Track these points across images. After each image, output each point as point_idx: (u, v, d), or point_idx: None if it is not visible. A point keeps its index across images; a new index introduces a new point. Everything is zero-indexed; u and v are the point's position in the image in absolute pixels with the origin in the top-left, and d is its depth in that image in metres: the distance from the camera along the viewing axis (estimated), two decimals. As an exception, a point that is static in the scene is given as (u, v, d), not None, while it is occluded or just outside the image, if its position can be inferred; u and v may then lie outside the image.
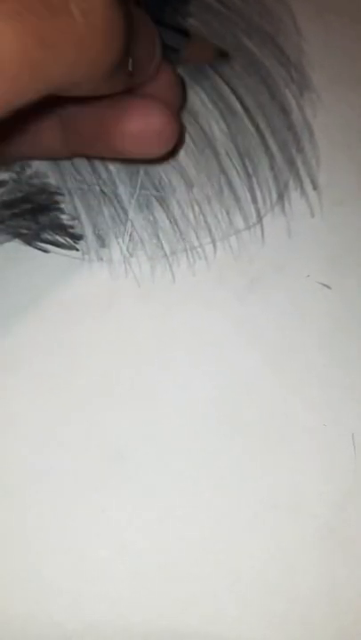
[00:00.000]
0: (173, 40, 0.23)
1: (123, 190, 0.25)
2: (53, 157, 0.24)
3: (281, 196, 0.25)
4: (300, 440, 0.23)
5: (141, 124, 0.21)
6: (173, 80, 0.22)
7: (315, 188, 0.25)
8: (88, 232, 0.25)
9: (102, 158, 0.25)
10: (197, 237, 0.25)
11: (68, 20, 0.15)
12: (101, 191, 0.25)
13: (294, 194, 0.25)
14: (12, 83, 0.14)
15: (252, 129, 0.26)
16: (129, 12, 0.17)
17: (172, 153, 0.24)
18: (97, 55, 0.16)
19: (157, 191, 0.25)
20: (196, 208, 0.25)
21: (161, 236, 0.25)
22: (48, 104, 0.20)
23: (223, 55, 0.26)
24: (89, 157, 0.25)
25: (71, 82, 0.16)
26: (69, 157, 0.24)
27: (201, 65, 0.26)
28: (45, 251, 0.24)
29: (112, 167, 0.25)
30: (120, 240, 0.24)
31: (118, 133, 0.21)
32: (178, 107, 0.23)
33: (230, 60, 0.26)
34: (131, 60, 0.18)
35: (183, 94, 0.23)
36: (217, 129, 0.26)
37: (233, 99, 0.26)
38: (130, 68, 0.18)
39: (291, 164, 0.26)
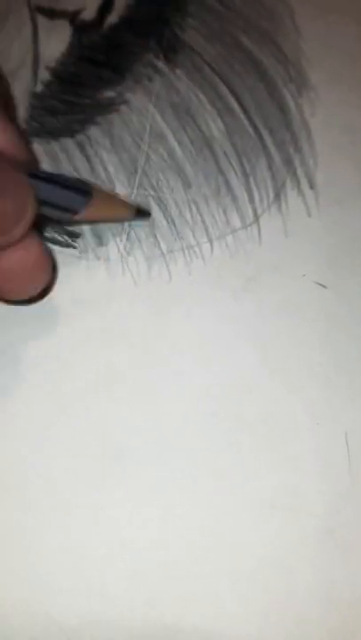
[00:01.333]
0: (69, 201, 0.21)
1: (120, 190, 0.25)
2: None
3: (278, 196, 0.25)
4: (295, 439, 0.23)
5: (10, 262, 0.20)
6: (34, 258, 0.20)
7: (312, 187, 0.25)
8: (86, 230, 0.25)
9: None
10: (194, 236, 0.25)
11: None
12: (99, 190, 0.25)
13: (291, 193, 0.25)
14: None
15: (249, 128, 0.26)
16: None
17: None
18: None
19: (155, 191, 0.25)
20: (194, 207, 0.25)
21: (158, 235, 0.25)
22: None
23: (143, 214, 0.24)
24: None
25: None
26: None
27: (114, 223, 0.24)
28: (43, 249, 0.24)
29: (110, 167, 0.25)
30: (117, 239, 0.25)
31: None
32: (21, 291, 0.21)
33: (148, 216, 0.24)
34: None
35: (41, 278, 0.21)
36: (215, 128, 0.26)
37: (231, 98, 0.26)
38: None
39: (288, 163, 0.26)
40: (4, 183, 0.18)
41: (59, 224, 0.24)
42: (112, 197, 0.24)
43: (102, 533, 0.22)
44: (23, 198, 0.19)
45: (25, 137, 0.21)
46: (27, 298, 0.22)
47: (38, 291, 0.22)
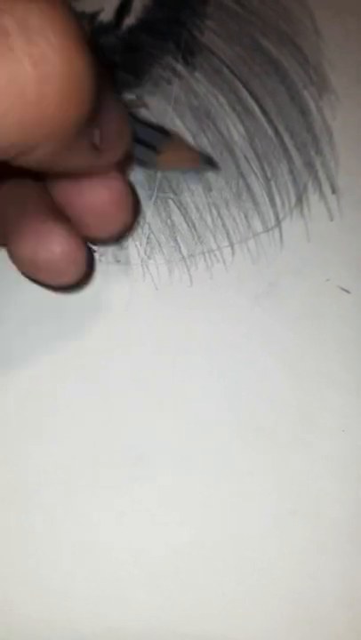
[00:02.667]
0: (150, 137, 0.21)
1: (140, 193, 0.25)
2: None
3: (300, 200, 0.25)
4: (319, 446, 0.23)
5: (32, 247, 0.19)
6: (119, 196, 0.19)
7: (334, 191, 0.25)
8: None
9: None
10: (215, 240, 0.24)
11: (10, 69, 0.12)
12: (119, 193, 0.25)
13: (313, 197, 0.25)
14: None
15: (270, 131, 0.26)
16: (94, 63, 0.14)
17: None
18: (54, 112, 0.13)
19: (175, 194, 0.25)
20: (214, 211, 0.25)
21: (179, 238, 0.24)
22: None
23: (210, 163, 0.24)
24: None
25: (18, 144, 0.13)
26: None
27: (182, 170, 0.24)
28: (62, 253, 0.24)
29: (129, 169, 0.25)
30: (138, 242, 0.24)
31: (14, 246, 0.19)
32: (106, 233, 0.20)
33: (217, 167, 0.24)
34: (98, 132, 0.16)
35: (128, 215, 0.21)
36: (235, 131, 0.26)
37: (251, 101, 0.26)
38: (96, 140, 0.16)
39: (310, 166, 0.25)
40: (109, 104, 0.17)
41: (142, 165, 0.23)
42: (185, 143, 0.24)
43: (121, 539, 0.22)
44: (123, 124, 0.18)
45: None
46: (107, 236, 0.21)
47: (119, 229, 0.21)
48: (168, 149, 0.22)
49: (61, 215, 0.19)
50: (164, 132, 0.22)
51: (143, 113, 0.25)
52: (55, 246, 0.19)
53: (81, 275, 0.20)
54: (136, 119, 0.21)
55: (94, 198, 0.19)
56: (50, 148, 0.14)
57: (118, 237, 0.23)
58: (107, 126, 0.17)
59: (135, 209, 0.22)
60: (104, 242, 0.24)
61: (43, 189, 0.20)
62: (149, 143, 0.22)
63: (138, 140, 0.21)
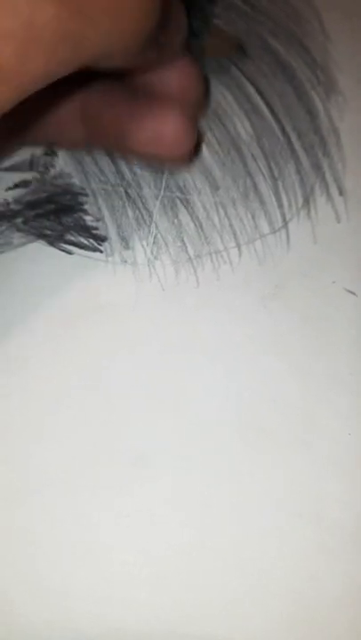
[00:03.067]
0: (196, 25, 0.23)
1: (147, 192, 0.25)
2: (75, 148, 0.24)
3: (307, 201, 0.25)
4: (322, 448, 0.23)
5: (154, 130, 0.21)
6: (194, 71, 0.22)
7: (341, 193, 0.25)
8: (112, 234, 0.24)
9: (121, 156, 0.25)
10: (222, 241, 0.24)
11: None
12: (126, 193, 0.25)
13: (320, 199, 0.25)
14: (50, 53, 0.15)
15: (278, 131, 0.26)
16: None
17: (195, 154, 0.24)
18: (132, 25, 0.16)
19: (182, 193, 0.25)
20: (221, 211, 0.25)
21: (185, 239, 0.24)
22: (73, 90, 0.21)
23: (241, 49, 0.25)
24: (108, 153, 0.25)
25: (106, 52, 0.16)
26: (90, 150, 0.24)
27: (219, 57, 0.26)
28: (69, 252, 0.24)
29: (137, 168, 0.25)
30: (144, 242, 0.24)
31: (133, 136, 0.21)
32: (197, 104, 0.23)
33: (248, 56, 0.26)
34: (163, 33, 0.18)
35: (204, 88, 0.22)
36: (243, 130, 0.26)
37: (259, 100, 0.26)
38: (162, 40, 0.18)
39: (317, 168, 0.25)
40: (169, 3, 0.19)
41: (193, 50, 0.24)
42: (223, 30, 0.26)
43: (122, 540, 0.22)
44: (182, 18, 0.20)
45: None
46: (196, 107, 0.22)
47: (200, 98, 0.22)
48: (209, 36, 0.23)
49: (161, 99, 0.21)
50: (207, 19, 0.23)
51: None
52: (174, 122, 0.21)
53: (194, 143, 0.21)
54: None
55: (174, 80, 0.21)
56: (127, 53, 0.17)
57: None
58: (169, 24, 0.19)
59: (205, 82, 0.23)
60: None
61: (128, 85, 0.22)
62: (195, 32, 0.23)
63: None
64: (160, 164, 0.24)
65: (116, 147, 0.22)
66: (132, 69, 0.21)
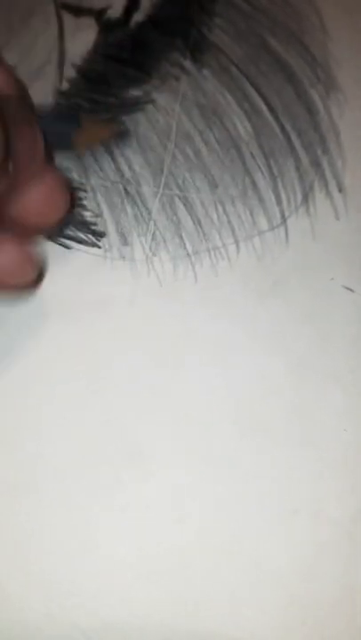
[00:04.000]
0: (63, 126, 0.23)
1: (146, 189, 0.25)
2: None
3: (306, 198, 0.25)
4: (321, 445, 0.23)
5: None
6: (54, 186, 0.21)
7: (340, 190, 0.25)
8: (111, 230, 0.24)
9: None
10: (220, 238, 0.24)
11: None
12: (125, 189, 0.25)
13: (319, 195, 0.25)
14: None
15: (277, 129, 0.26)
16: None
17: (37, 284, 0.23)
18: None
19: (181, 191, 0.25)
20: (220, 208, 0.25)
21: (184, 235, 0.24)
22: None
23: (123, 134, 0.25)
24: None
25: None
26: None
27: (101, 144, 0.25)
28: (67, 247, 0.24)
29: (136, 166, 0.25)
30: (143, 239, 0.24)
31: None
32: (51, 222, 0.21)
33: (129, 134, 0.25)
34: (10, 164, 0.18)
35: (63, 202, 0.21)
36: (242, 129, 0.26)
37: (258, 98, 0.26)
38: (10, 170, 0.18)
39: (316, 165, 0.25)
40: (18, 125, 0.18)
41: (61, 149, 0.24)
42: (97, 120, 0.25)
43: (121, 536, 0.22)
44: (35, 134, 0.19)
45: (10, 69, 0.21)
46: (49, 227, 0.22)
47: (58, 220, 0.21)
48: (82, 130, 0.23)
49: (3, 223, 0.20)
50: (73, 116, 0.24)
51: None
52: (5, 254, 0.20)
53: (33, 275, 0.21)
54: (45, 115, 0.22)
55: (29, 198, 0.20)
56: None
57: (58, 226, 0.23)
58: (17, 154, 0.18)
59: (71, 197, 0.22)
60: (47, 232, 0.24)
61: None
62: (62, 132, 0.23)
63: (50, 133, 0.21)
64: (4, 295, 0.23)
65: None
66: None
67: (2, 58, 0.21)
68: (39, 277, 0.23)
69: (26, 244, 0.20)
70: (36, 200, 0.20)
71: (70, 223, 0.24)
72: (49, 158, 0.21)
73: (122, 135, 0.25)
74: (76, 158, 0.25)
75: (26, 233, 0.21)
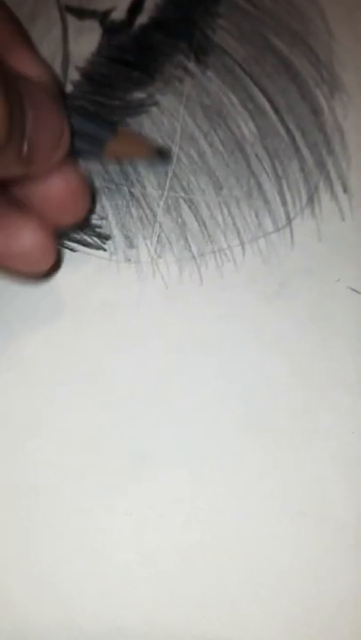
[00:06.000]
0: (95, 131, 0.22)
1: (151, 192, 0.25)
2: None
3: (311, 199, 0.25)
4: (327, 447, 0.23)
5: (4, 243, 0.20)
6: (74, 185, 0.21)
7: (345, 190, 0.25)
8: (116, 232, 0.24)
9: None
10: (226, 239, 0.24)
11: None
12: (129, 192, 0.25)
13: (325, 196, 0.25)
14: None
15: (281, 130, 0.26)
16: (15, 94, 0.17)
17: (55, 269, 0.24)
18: None
19: (186, 193, 0.25)
20: (225, 210, 0.25)
21: (189, 237, 0.24)
22: None
23: (163, 154, 0.25)
24: None
25: None
26: None
27: (136, 160, 0.25)
28: (73, 250, 0.24)
29: (140, 168, 0.25)
30: (148, 241, 0.24)
31: None
32: (69, 219, 0.21)
33: (170, 161, 0.25)
34: (26, 145, 0.18)
35: (83, 203, 0.22)
36: (246, 130, 0.26)
37: (263, 99, 0.26)
38: (24, 152, 0.18)
39: (321, 166, 0.25)
40: (40, 111, 0.18)
41: (88, 157, 0.23)
42: (135, 135, 0.25)
43: (125, 539, 0.22)
44: (59, 124, 0.19)
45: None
46: (69, 223, 0.22)
47: (77, 220, 0.22)
48: (116, 141, 0.22)
49: (26, 209, 0.21)
50: (110, 124, 0.23)
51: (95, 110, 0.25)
52: (26, 238, 0.20)
53: (52, 262, 0.21)
54: (81, 114, 0.22)
55: (51, 192, 0.20)
56: None
57: (81, 224, 0.23)
58: (37, 136, 0.18)
59: (91, 196, 0.23)
60: (68, 228, 0.24)
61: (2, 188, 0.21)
62: (95, 136, 0.22)
63: (83, 135, 0.21)
64: (14, 276, 0.23)
65: None
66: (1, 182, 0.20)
67: (36, 48, 0.21)
68: (55, 266, 0.23)
69: (47, 232, 0.20)
70: (57, 192, 0.20)
71: (76, 226, 0.24)
72: (74, 156, 0.21)
73: (162, 156, 0.24)
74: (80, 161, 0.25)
75: (47, 222, 0.21)
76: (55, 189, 0.20)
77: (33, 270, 0.21)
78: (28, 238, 0.20)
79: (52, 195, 0.20)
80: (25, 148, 0.18)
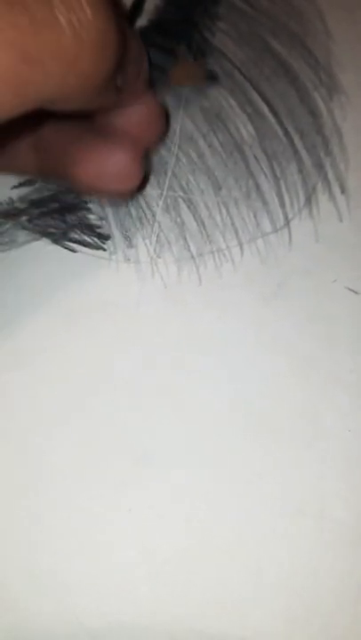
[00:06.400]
0: (161, 60, 0.24)
1: (150, 192, 0.25)
2: (26, 174, 0.24)
3: (309, 200, 0.25)
4: (325, 446, 0.23)
5: (97, 164, 0.21)
6: (154, 109, 0.22)
7: (343, 191, 0.25)
8: (115, 232, 0.25)
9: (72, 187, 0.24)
10: (224, 240, 0.25)
11: (55, 34, 0.15)
12: (129, 192, 0.25)
13: (322, 197, 0.25)
14: None
15: (280, 132, 0.26)
16: (122, 24, 0.17)
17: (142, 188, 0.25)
18: (88, 69, 0.16)
19: (185, 193, 0.25)
20: (224, 210, 0.25)
21: (188, 237, 0.25)
22: (27, 123, 0.21)
23: (213, 78, 0.26)
24: (58, 183, 0.25)
25: (60, 96, 0.16)
26: (41, 177, 0.25)
27: (191, 86, 0.26)
28: (73, 250, 0.24)
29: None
30: (147, 241, 0.24)
31: (79, 170, 0.21)
32: (152, 142, 0.23)
33: (219, 82, 0.26)
34: (120, 77, 0.18)
35: (162, 125, 0.23)
36: (245, 132, 0.26)
37: (261, 102, 0.26)
38: (120, 83, 0.18)
39: (319, 167, 0.25)
40: (130, 40, 0.19)
41: (158, 82, 0.25)
42: (191, 61, 0.26)
43: (126, 536, 0.22)
44: (143, 54, 0.20)
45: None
46: (152, 145, 0.23)
47: (158, 140, 0.23)
48: (177, 68, 0.24)
49: (112, 135, 0.22)
50: (172, 53, 0.24)
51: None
52: (118, 158, 0.21)
53: (140, 179, 0.22)
54: (148, 44, 0.24)
55: (134, 117, 0.22)
56: (83, 97, 0.17)
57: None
58: (128, 68, 0.19)
59: (168, 118, 0.24)
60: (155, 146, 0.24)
61: (87, 119, 0.22)
62: (159, 65, 0.24)
63: (150, 64, 0.22)
64: (107, 197, 0.25)
65: (65, 178, 0.22)
66: (92, 111, 0.21)
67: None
68: (143, 183, 0.23)
69: (134, 153, 0.21)
70: (139, 117, 0.22)
71: (75, 226, 0.24)
72: (150, 84, 0.22)
73: (212, 78, 0.26)
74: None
75: (133, 144, 0.22)
76: (138, 115, 0.22)
77: (124, 188, 0.22)
78: (119, 159, 0.21)
79: (135, 120, 0.22)
80: (120, 79, 0.18)
